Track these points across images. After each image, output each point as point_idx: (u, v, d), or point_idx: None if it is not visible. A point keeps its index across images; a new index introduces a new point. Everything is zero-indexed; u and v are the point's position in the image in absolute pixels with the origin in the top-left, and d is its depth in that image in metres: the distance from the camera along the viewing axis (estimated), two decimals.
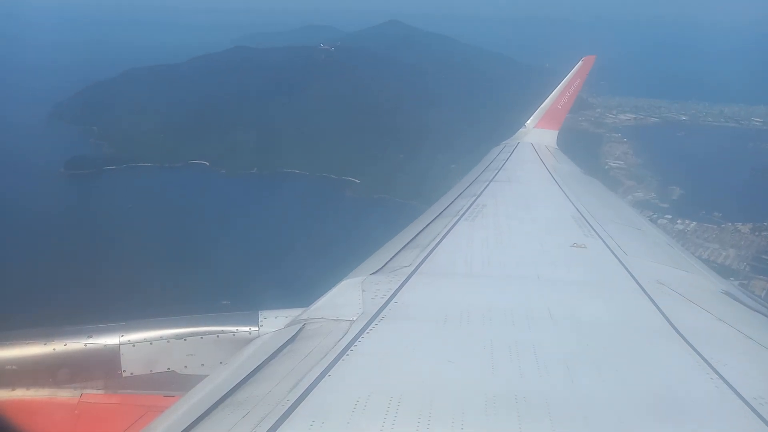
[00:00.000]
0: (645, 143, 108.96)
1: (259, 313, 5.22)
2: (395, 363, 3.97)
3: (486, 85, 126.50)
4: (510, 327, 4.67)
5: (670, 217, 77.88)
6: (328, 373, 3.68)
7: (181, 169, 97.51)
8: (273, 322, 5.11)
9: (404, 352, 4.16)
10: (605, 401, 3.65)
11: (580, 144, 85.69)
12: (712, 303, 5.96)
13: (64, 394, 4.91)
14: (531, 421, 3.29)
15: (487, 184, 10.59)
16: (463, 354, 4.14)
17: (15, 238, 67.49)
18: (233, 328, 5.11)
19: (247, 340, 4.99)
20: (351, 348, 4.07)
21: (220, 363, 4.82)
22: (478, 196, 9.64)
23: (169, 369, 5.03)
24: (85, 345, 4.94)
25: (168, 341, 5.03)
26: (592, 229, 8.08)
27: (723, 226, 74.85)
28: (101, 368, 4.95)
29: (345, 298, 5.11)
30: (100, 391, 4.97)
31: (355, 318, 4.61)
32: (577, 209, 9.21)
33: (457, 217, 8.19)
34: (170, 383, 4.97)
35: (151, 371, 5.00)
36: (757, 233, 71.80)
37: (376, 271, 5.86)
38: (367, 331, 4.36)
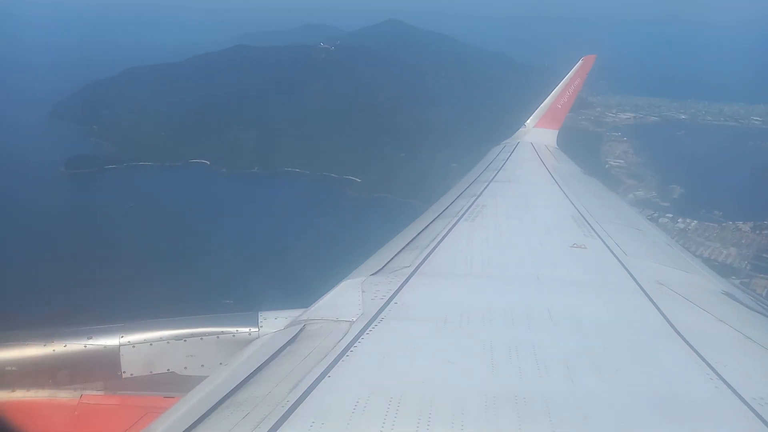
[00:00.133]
0: (645, 142, 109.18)
1: (259, 314, 5.22)
2: (395, 364, 3.98)
3: (485, 84, 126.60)
4: (510, 327, 4.67)
5: (671, 215, 78.11)
6: (328, 374, 3.69)
7: (182, 168, 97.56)
8: (273, 323, 5.11)
9: (404, 352, 4.16)
10: (605, 402, 3.65)
11: (581, 143, 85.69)
12: (712, 303, 5.98)
13: (64, 395, 4.91)
14: (531, 422, 3.30)
15: (487, 184, 10.59)
16: (463, 354, 4.14)
17: (16, 237, 67.50)
18: (233, 329, 5.11)
19: (247, 341, 4.99)
20: (351, 349, 4.07)
21: (220, 364, 4.81)
22: (478, 196, 9.65)
23: (168, 370, 5.02)
24: (85, 346, 4.93)
25: (168, 342, 5.03)
26: (592, 229, 8.08)
27: (724, 224, 75.00)
28: (101, 369, 4.95)
29: (345, 299, 5.11)
30: (99, 392, 4.97)
31: (355, 319, 4.61)
32: (577, 209, 9.21)
33: (457, 218, 8.20)
34: (170, 384, 4.96)
35: (150, 372, 5.00)
36: (757, 232, 71.95)
37: (376, 272, 5.87)
38: (367, 331, 4.37)
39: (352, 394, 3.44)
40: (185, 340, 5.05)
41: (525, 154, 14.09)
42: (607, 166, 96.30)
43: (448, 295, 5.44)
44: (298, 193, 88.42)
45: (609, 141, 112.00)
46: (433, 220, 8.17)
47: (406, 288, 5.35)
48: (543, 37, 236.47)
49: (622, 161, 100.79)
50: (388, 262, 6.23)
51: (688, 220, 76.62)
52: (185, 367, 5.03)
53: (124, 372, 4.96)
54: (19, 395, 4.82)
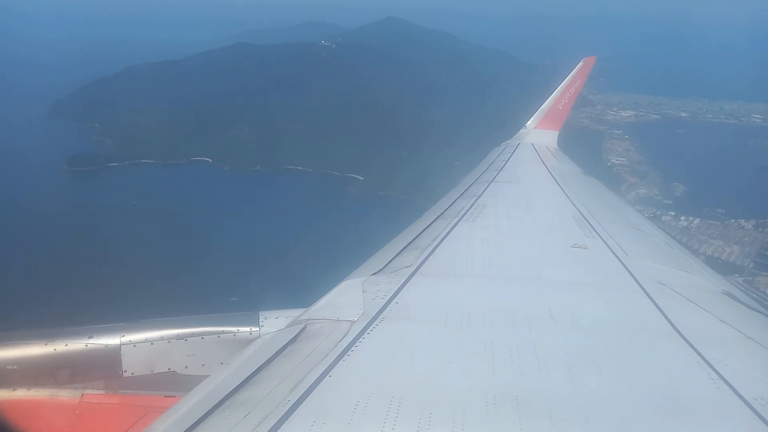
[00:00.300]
0: (646, 140, 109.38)
1: (260, 314, 5.21)
2: (396, 363, 3.98)
3: (487, 82, 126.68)
4: (511, 327, 4.66)
5: (673, 213, 78.34)
6: (329, 374, 3.69)
7: (184, 166, 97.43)
8: (274, 323, 5.11)
9: (405, 352, 4.15)
10: (606, 402, 3.65)
11: (582, 141, 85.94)
12: (713, 303, 5.98)
13: (65, 395, 4.91)
14: (532, 422, 3.30)
15: (488, 185, 10.58)
16: (463, 354, 4.14)
17: (20, 235, 67.45)
18: (234, 329, 5.11)
19: (248, 341, 4.98)
20: (352, 348, 4.07)
21: (221, 363, 4.80)
22: (479, 196, 9.63)
23: (170, 369, 5.03)
24: (86, 345, 4.93)
25: (169, 342, 5.03)
26: (593, 229, 8.08)
27: (726, 222, 75.23)
28: (102, 368, 4.95)
29: (346, 299, 5.10)
30: (101, 392, 4.97)
31: (355, 318, 4.61)
32: (578, 210, 9.21)
33: (457, 218, 8.19)
34: (171, 384, 4.97)
35: (152, 371, 5.00)
36: (760, 230, 72.13)
37: (377, 272, 5.88)
38: (367, 331, 4.36)
39: (352, 394, 3.45)
40: (186, 340, 5.05)
41: (526, 155, 14.11)
42: (609, 164, 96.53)
43: (448, 295, 5.44)
44: (300, 191, 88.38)
45: (610, 139, 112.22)
46: (434, 221, 8.18)
47: (407, 288, 5.35)
48: (544, 35, 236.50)
49: (624, 159, 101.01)
50: (389, 261, 6.24)
51: (690, 218, 76.84)
52: (186, 367, 5.03)
53: (125, 371, 4.96)
54: (21, 394, 4.83)
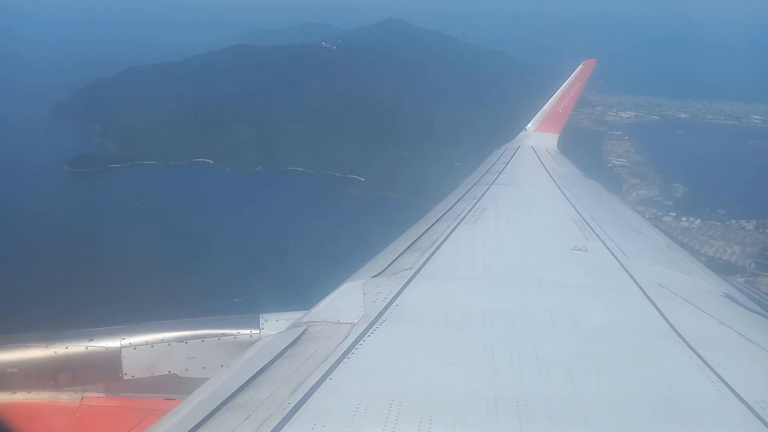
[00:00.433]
0: (646, 141, 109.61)
1: (260, 316, 5.23)
2: (396, 366, 3.96)
3: (487, 83, 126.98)
4: (511, 330, 4.66)
5: (674, 214, 78.51)
6: (329, 377, 3.68)
7: (185, 167, 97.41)
8: (274, 325, 5.12)
9: (405, 355, 4.14)
10: (607, 405, 3.65)
11: (582, 142, 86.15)
12: (714, 306, 5.97)
13: (65, 398, 4.90)
14: (532, 425, 3.31)
15: (488, 187, 10.58)
16: (464, 357, 4.13)
17: (24, 236, 67.45)
18: (234, 331, 5.12)
19: (249, 343, 5.00)
20: (352, 351, 4.06)
21: (222, 366, 4.80)
22: (479, 199, 9.63)
23: (170, 372, 5.02)
24: (87, 348, 4.93)
25: (169, 344, 5.03)
26: (593, 232, 8.08)
27: (727, 223, 75.37)
28: (102, 371, 4.95)
29: (346, 301, 5.09)
30: (101, 395, 4.97)
31: (356, 321, 4.60)
32: (578, 212, 9.21)
33: (458, 221, 8.18)
34: (171, 386, 4.97)
35: (152, 374, 5.00)
36: (761, 230, 72.28)
37: (378, 274, 5.88)
38: (368, 334, 4.35)
39: (353, 397, 3.44)
40: (186, 342, 5.05)
41: (526, 158, 14.13)
42: (609, 165, 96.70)
43: (449, 298, 5.43)
44: (301, 192, 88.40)
45: (611, 140, 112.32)
46: (435, 223, 8.17)
47: (408, 290, 5.35)
48: (543, 36, 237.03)
49: (625, 160, 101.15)
50: (390, 264, 6.25)
51: (691, 219, 77.00)
52: (186, 369, 5.03)
53: (125, 374, 4.96)
54: (21, 397, 4.83)
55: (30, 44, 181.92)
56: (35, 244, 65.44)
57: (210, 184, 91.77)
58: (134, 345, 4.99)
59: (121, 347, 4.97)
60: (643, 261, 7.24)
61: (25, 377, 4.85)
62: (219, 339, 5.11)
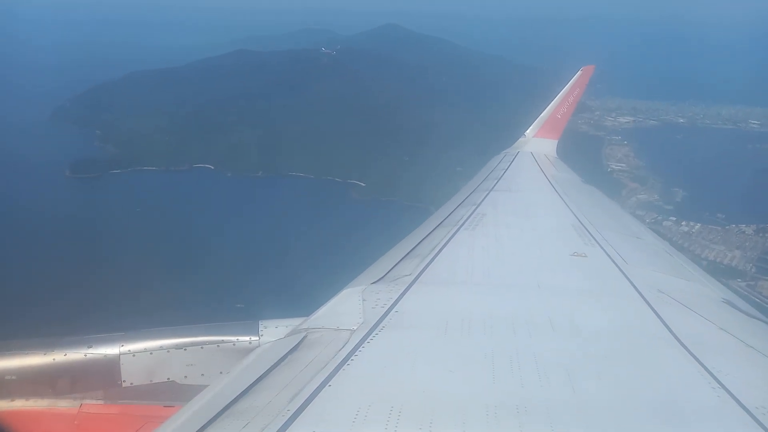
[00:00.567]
0: (645, 145, 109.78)
1: (260, 323, 5.22)
2: (396, 372, 3.97)
3: (486, 87, 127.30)
4: (511, 336, 4.65)
5: (674, 219, 78.64)
6: (329, 383, 3.67)
7: (186, 172, 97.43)
8: (273, 332, 5.11)
9: (405, 361, 4.14)
10: (606, 410, 3.65)
11: (581, 146, 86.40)
12: (713, 312, 5.97)
13: (64, 405, 4.89)
14: (532, 430, 3.32)
15: (488, 193, 10.59)
16: (463, 363, 4.13)
17: (25, 242, 67.39)
18: (233, 338, 5.11)
19: (248, 350, 4.97)
20: (351, 358, 4.06)
21: (221, 373, 4.82)
22: (478, 205, 9.63)
23: (169, 379, 5.02)
24: (85, 355, 4.92)
25: (168, 351, 5.02)
26: (593, 237, 8.07)
27: (727, 227, 75.55)
28: (101, 378, 4.94)
29: (345, 308, 5.09)
30: (99, 402, 4.95)
31: (355, 327, 4.60)
32: (577, 218, 9.21)
33: (457, 227, 8.17)
34: (170, 393, 4.96)
35: (151, 381, 4.99)
36: (761, 234, 72.43)
37: (377, 281, 5.88)
38: (367, 340, 4.36)
39: (352, 403, 3.44)
40: (185, 349, 5.04)
41: (525, 164, 14.14)
42: (609, 169, 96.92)
43: (448, 304, 5.42)
44: (302, 197, 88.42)
45: (609, 144, 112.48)
46: (434, 229, 8.17)
47: (407, 296, 5.35)
48: (541, 39, 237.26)
49: (624, 165, 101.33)
50: (389, 270, 6.24)
51: (692, 223, 77.09)
52: (185, 376, 5.03)
53: (124, 381, 4.95)
54: (19, 405, 4.81)
55: (30, 48, 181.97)
56: (36, 249, 65.36)
57: (211, 189, 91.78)
58: (133, 352, 4.98)
59: (120, 354, 4.96)
60: (642, 267, 7.24)
61: (24, 384, 4.83)
62: (218, 346, 5.10)
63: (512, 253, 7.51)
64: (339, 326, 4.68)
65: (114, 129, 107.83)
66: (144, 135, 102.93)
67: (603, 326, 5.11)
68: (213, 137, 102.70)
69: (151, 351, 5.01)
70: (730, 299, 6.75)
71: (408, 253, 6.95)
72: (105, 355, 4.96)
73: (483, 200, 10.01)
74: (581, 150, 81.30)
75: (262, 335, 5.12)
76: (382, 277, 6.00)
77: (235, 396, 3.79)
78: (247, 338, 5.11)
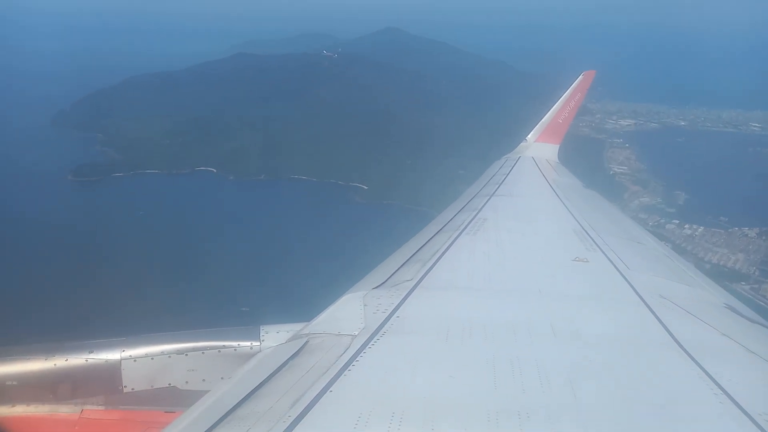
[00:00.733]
0: (647, 148, 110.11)
1: (261, 328, 5.19)
2: (397, 378, 3.95)
3: (488, 91, 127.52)
4: (512, 341, 4.63)
5: (677, 222, 78.72)
6: (330, 389, 3.66)
7: (188, 175, 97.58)
8: (274, 337, 5.08)
9: (406, 367, 4.11)
10: (608, 416, 3.64)
11: (583, 150, 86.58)
12: (715, 317, 5.95)
13: (65, 410, 4.88)
14: None
15: (489, 198, 10.56)
16: (465, 368, 4.12)
17: (27, 246, 67.41)
18: (235, 343, 5.10)
19: (249, 355, 4.97)
20: (353, 363, 4.04)
21: (222, 378, 4.80)
22: (480, 210, 9.60)
23: (170, 384, 5.00)
24: (86, 360, 4.90)
25: (169, 356, 5.01)
26: (594, 243, 8.03)
27: (730, 230, 75.57)
28: (102, 384, 4.92)
29: (347, 313, 5.06)
30: (100, 407, 4.93)
31: (356, 333, 4.58)
32: (579, 223, 9.16)
33: (458, 232, 8.14)
34: (171, 399, 4.94)
35: (152, 387, 4.97)
36: (764, 237, 72.46)
37: (378, 286, 5.86)
38: (369, 346, 4.33)
39: (354, 409, 3.42)
40: (187, 354, 5.02)
41: (526, 169, 14.14)
42: (611, 172, 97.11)
43: (450, 309, 5.39)
44: (305, 200, 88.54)
45: (611, 148, 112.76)
46: (435, 234, 8.14)
47: (408, 302, 5.32)
48: (542, 44, 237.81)
49: (626, 168, 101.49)
50: (391, 275, 6.24)
51: (695, 227, 77.11)
52: (186, 382, 5.00)
53: (125, 386, 4.93)
54: (20, 410, 4.80)
55: (31, 53, 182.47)
56: (39, 254, 65.38)
57: (213, 193, 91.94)
58: (134, 357, 4.96)
59: (121, 359, 4.94)
60: (644, 272, 7.21)
61: (25, 390, 4.82)
62: (219, 351, 5.08)
63: (513, 258, 7.48)
64: (340, 331, 4.65)
65: (115, 133, 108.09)
66: (145, 138, 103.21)
67: (605, 331, 5.08)
68: (215, 140, 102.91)
69: (152, 356, 4.99)
70: (732, 304, 6.72)
71: (409, 258, 6.94)
72: (106, 361, 4.93)
73: (484, 205, 10.00)
74: (583, 153, 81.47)
75: (263, 340, 5.10)
76: (384, 282, 5.99)
77: (236, 401, 3.76)
78: (248, 343, 5.10)
